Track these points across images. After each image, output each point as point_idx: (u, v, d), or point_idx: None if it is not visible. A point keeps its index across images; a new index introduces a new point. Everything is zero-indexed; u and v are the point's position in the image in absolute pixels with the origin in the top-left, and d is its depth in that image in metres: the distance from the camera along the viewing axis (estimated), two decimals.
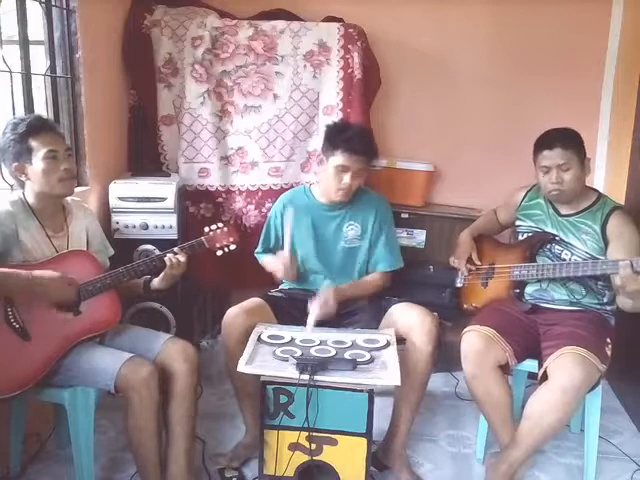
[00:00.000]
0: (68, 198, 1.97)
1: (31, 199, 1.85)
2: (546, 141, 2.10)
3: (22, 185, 1.86)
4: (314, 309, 2.08)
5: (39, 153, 1.79)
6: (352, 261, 2.30)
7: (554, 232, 2.16)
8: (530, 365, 2.07)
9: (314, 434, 1.82)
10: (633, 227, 2.06)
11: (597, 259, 2.05)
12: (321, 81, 2.86)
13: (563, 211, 2.17)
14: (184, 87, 2.81)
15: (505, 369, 2.02)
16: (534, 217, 2.24)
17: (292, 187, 2.85)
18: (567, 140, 2.08)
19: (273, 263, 2.32)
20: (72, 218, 1.97)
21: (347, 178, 2.16)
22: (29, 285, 1.70)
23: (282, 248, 2.31)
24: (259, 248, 2.42)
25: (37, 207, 1.86)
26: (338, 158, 2.14)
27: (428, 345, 2.00)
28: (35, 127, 1.80)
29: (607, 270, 1.93)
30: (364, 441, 1.82)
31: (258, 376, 1.82)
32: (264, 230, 2.40)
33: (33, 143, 1.79)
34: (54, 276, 1.75)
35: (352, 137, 2.14)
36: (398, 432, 2.10)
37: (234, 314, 2.07)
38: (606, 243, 2.07)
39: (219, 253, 2.07)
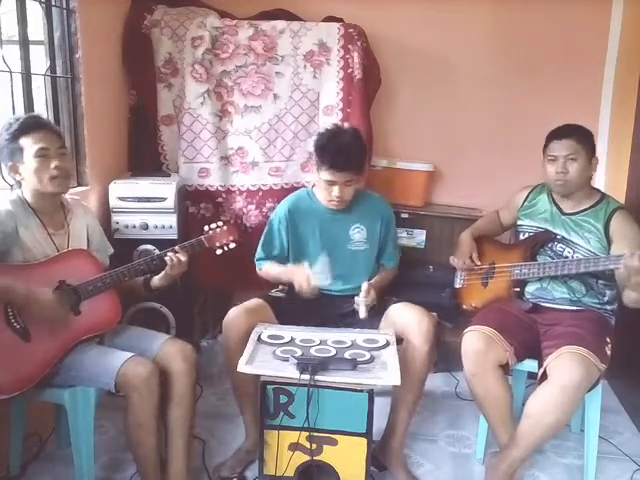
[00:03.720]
0: (67, 197, 1.97)
1: (29, 198, 1.86)
2: (557, 132, 2.14)
3: (19, 184, 1.86)
4: (362, 304, 2.10)
5: (30, 151, 1.79)
6: (358, 263, 2.30)
7: (556, 231, 2.16)
8: (530, 365, 2.07)
9: (314, 434, 1.82)
10: (636, 226, 2.07)
11: (599, 255, 2.05)
12: (321, 81, 2.86)
13: (566, 209, 2.17)
14: (184, 87, 2.81)
15: (505, 369, 2.02)
16: (536, 216, 2.24)
17: (293, 187, 2.86)
18: (577, 134, 2.11)
19: (291, 274, 2.19)
20: (72, 216, 1.98)
21: (336, 191, 2.16)
22: (24, 300, 1.71)
23: (288, 256, 2.31)
24: (260, 254, 2.35)
25: (36, 205, 1.86)
26: (324, 174, 2.14)
27: (425, 344, 2.00)
28: (26, 126, 1.80)
29: (610, 265, 1.93)
30: (364, 441, 1.82)
31: (258, 376, 1.82)
32: (266, 235, 2.34)
33: (24, 142, 1.79)
34: (49, 298, 1.74)
35: (336, 154, 2.10)
36: (395, 432, 2.10)
37: (235, 315, 2.07)
38: (609, 242, 2.07)
39: (219, 252, 2.07)
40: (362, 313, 2.10)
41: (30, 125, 1.81)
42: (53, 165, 1.81)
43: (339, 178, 2.13)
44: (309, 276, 2.10)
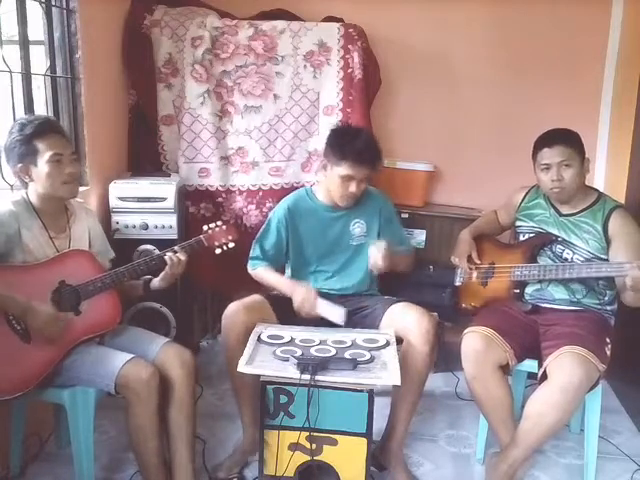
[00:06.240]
0: (71, 200, 1.97)
1: (34, 200, 1.85)
2: (546, 139, 2.12)
3: (25, 186, 1.86)
4: (376, 256, 2.09)
5: (44, 156, 1.78)
6: (359, 257, 2.29)
7: (555, 232, 2.16)
8: (530, 365, 2.07)
9: (314, 434, 1.82)
10: (634, 225, 2.06)
11: (599, 258, 2.05)
12: (321, 81, 2.86)
13: (564, 211, 2.17)
14: (184, 87, 2.81)
15: (505, 369, 2.02)
16: (535, 217, 2.24)
17: (293, 187, 2.86)
18: (567, 138, 2.10)
19: (292, 290, 2.16)
20: (74, 219, 1.97)
21: (353, 187, 2.15)
22: (23, 312, 1.71)
23: (285, 257, 2.30)
24: (256, 251, 2.32)
25: (40, 208, 1.86)
26: (345, 169, 2.12)
27: (425, 345, 1.99)
28: (42, 129, 1.79)
29: (612, 273, 1.94)
30: (364, 441, 1.82)
31: (258, 376, 1.82)
32: (263, 232, 2.32)
33: (39, 145, 1.78)
34: (48, 313, 1.74)
35: (360, 149, 2.10)
36: (395, 432, 2.10)
37: (234, 310, 2.07)
38: (608, 242, 2.07)
39: (218, 251, 2.06)
40: (376, 260, 2.08)
41: (45, 129, 1.80)
42: (67, 171, 1.81)
43: (358, 173, 2.12)
44: (312, 297, 2.10)
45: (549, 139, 2.11)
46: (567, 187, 2.09)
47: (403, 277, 2.45)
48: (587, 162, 2.13)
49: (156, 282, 2.01)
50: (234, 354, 1.91)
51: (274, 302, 2.21)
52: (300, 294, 2.12)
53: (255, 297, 2.18)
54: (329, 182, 2.22)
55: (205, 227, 2.06)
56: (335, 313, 2.11)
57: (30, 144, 1.77)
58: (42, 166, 1.79)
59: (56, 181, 1.80)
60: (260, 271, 2.31)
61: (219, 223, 2.08)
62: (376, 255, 2.10)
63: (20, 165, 1.80)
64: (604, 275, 1.97)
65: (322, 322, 2.15)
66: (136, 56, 2.82)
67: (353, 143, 2.12)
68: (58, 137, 1.82)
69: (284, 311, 2.19)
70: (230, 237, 2.08)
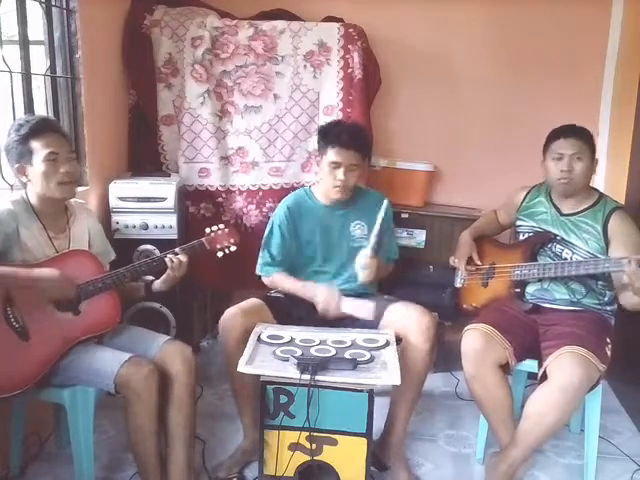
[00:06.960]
0: (71, 200, 1.96)
1: (33, 200, 1.85)
2: (563, 131, 2.13)
3: (24, 186, 1.86)
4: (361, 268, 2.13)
5: (39, 155, 1.78)
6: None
7: (555, 231, 2.16)
8: (530, 365, 2.07)
9: (314, 434, 1.82)
10: (634, 226, 2.07)
11: (598, 258, 2.05)
12: (321, 81, 2.86)
13: (564, 210, 2.17)
14: (184, 87, 2.81)
15: (505, 369, 2.02)
16: (535, 217, 2.24)
17: (293, 187, 2.86)
18: (582, 133, 2.12)
19: (315, 293, 2.15)
20: (74, 220, 1.97)
21: (340, 174, 2.17)
22: (27, 283, 1.70)
23: (295, 257, 2.29)
24: (266, 258, 2.30)
25: (40, 208, 1.86)
26: (330, 155, 2.17)
27: (425, 344, 2.00)
28: (37, 129, 1.79)
29: (610, 268, 1.94)
30: (364, 441, 1.82)
31: (257, 377, 1.82)
32: (267, 238, 2.31)
33: (34, 145, 1.78)
34: (54, 274, 1.73)
35: (342, 133, 2.17)
36: (394, 430, 2.10)
37: (232, 315, 2.06)
38: (607, 243, 2.07)
39: (219, 254, 2.07)
40: (361, 276, 2.12)
41: (41, 128, 1.80)
42: (63, 170, 1.81)
43: (345, 159, 2.15)
44: (336, 297, 2.11)
45: (566, 131, 2.12)
46: (575, 179, 2.09)
47: (403, 277, 2.46)
48: (596, 163, 2.14)
49: (157, 284, 2.01)
50: (233, 357, 1.91)
51: (273, 304, 2.20)
52: (323, 295, 2.12)
53: (253, 300, 2.18)
54: (322, 175, 2.25)
55: (207, 230, 2.06)
56: (363, 309, 2.10)
57: (26, 144, 1.78)
58: (38, 165, 1.78)
59: (51, 181, 1.80)
60: (276, 278, 2.29)
61: (221, 226, 2.08)
62: (364, 265, 2.12)
63: (17, 165, 1.80)
64: (602, 271, 1.97)
65: (322, 322, 2.15)
66: (136, 56, 2.82)
67: (336, 128, 2.21)
68: (56, 136, 1.82)
69: (283, 312, 2.19)
70: (232, 240, 2.08)
